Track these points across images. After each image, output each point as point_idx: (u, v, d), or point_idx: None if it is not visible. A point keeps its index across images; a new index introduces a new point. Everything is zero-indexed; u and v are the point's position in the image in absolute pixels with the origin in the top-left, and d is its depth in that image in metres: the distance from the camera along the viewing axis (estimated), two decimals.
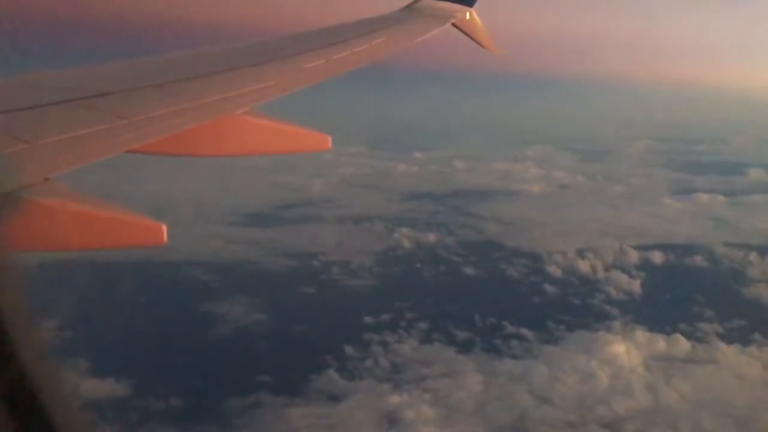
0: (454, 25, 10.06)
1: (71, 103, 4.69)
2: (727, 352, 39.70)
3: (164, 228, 3.74)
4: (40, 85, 5.08)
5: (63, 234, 3.66)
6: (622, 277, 51.47)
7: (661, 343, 40.17)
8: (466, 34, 10.23)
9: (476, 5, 10.48)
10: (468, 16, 10.34)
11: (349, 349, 37.94)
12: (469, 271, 52.71)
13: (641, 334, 40.94)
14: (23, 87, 4.99)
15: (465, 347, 39.41)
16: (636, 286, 50.24)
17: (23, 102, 4.50)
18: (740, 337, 41.57)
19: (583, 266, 53.40)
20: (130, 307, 41.63)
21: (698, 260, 56.94)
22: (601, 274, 52.10)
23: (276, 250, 54.12)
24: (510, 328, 41.54)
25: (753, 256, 56.80)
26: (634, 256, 56.14)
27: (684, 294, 48.75)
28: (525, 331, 41.23)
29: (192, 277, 47.42)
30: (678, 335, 41.09)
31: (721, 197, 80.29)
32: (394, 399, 33.46)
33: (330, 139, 5.60)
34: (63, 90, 4.88)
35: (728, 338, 41.50)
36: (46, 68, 5.67)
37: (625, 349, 38.83)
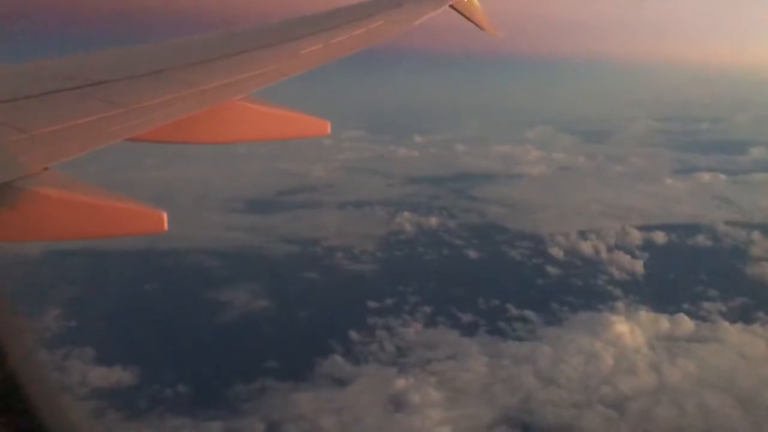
0: (452, 7, 9.99)
1: (69, 92, 4.67)
2: (731, 330, 39.75)
3: (165, 216, 3.73)
4: (37, 74, 5.06)
5: (63, 224, 3.65)
6: (625, 258, 51.49)
7: (664, 322, 40.24)
8: (464, 15, 10.16)
9: None
10: None
11: (353, 334, 38.05)
12: (471, 254, 52.76)
13: (645, 314, 41.01)
14: (20, 76, 4.98)
15: (469, 330, 39.51)
16: (639, 266, 50.26)
17: (20, 91, 4.49)
18: (743, 316, 41.62)
19: (586, 247, 53.42)
20: (134, 295, 41.81)
21: (701, 240, 56.92)
22: (603, 255, 52.12)
23: (278, 236, 54.21)
24: (514, 311, 41.63)
25: (755, 234, 56.76)
26: (636, 237, 56.14)
27: (687, 273, 48.79)
28: (529, 313, 41.32)
29: (195, 264, 47.53)
30: (681, 315, 41.14)
31: (722, 176, 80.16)
32: (400, 382, 33.59)
33: (329, 124, 5.58)
34: (60, 79, 4.87)
35: (731, 317, 41.55)
36: (42, 57, 5.65)
37: (629, 330, 38.91)
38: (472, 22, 10.24)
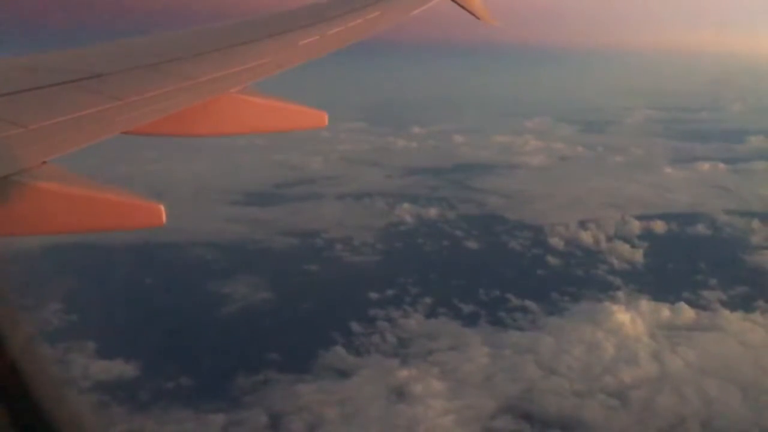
0: None
1: (66, 86, 4.67)
2: (731, 319, 39.82)
3: (162, 209, 3.74)
4: (34, 68, 5.05)
5: (62, 217, 3.66)
6: (625, 248, 51.51)
7: (665, 311, 40.29)
8: (461, 5, 10.13)
9: None
10: None
11: (355, 325, 38.09)
12: (471, 244, 52.78)
13: (645, 304, 41.04)
14: (16, 70, 4.96)
15: (470, 320, 39.56)
16: (639, 255, 50.29)
17: (17, 85, 4.48)
18: (744, 304, 41.66)
19: (586, 237, 53.43)
20: (134, 288, 41.81)
21: (700, 228, 56.95)
22: (603, 245, 52.14)
23: (278, 229, 54.18)
24: (514, 301, 41.67)
25: (755, 223, 56.81)
26: (636, 226, 56.15)
27: (687, 262, 48.82)
28: (529, 303, 41.36)
29: (195, 257, 47.53)
30: (682, 303, 41.19)
31: (722, 165, 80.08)
32: (402, 373, 33.65)
33: (326, 116, 5.58)
34: (57, 72, 4.86)
35: (732, 305, 41.60)
36: (38, 50, 5.63)
37: (630, 319, 38.96)
38: (469, 11, 10.21)
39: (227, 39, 6.49)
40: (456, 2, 10.02)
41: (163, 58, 5.59)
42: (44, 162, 3.66)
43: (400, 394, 32.24)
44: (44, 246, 37.66)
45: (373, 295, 41.73)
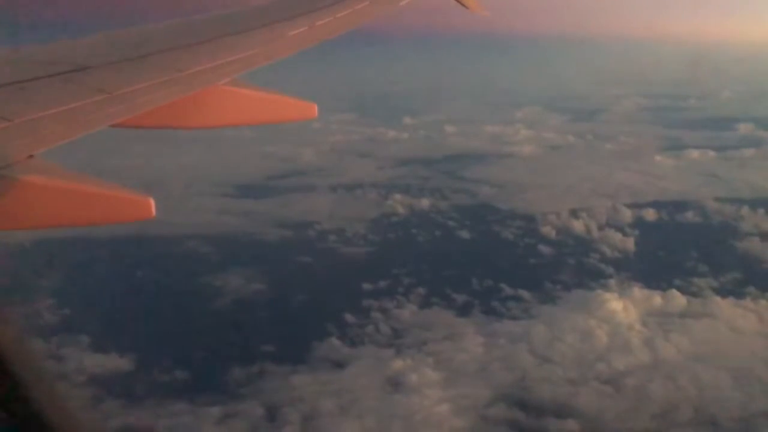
0: None
1: (52, 78, 4.63)
2: (723, 305, 40.03)
3: (152, 201, 3.72)
4: (19, 60, 5.01)
5: (51, 211, 3.63)
6: (616, 236, 51.71)
7: (657, 299, 40.46)
8: None
9: None
10: None
11: (349, 316, 38.13)
12: (464, 234, 52.84)
13: (637, 291, 41.23)
14: (1, 63, 4.92)
15: (464, 310, 39.64)
16: (630, 243, 50.50)
17: (2, 78, 4.44)
18: (735, 290, 41.90)
19: (577, 226, 53.59)
20: (127, 282, 41.72)
21: (691, 216, 57.19)
22: (595, 233, 52.31)
23: (270, 221, 54.11)
24: (507, 290, 41.77)
25: (745, 210, 57.09)
26: (627, 215, 56.37)
27: (678, 250, 49.04)
28: (523, 292, 41.47)
29: (188, 250, 47.40)
30: (673, 291, 41.37)
31: (711, 153, 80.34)
32: (397, 363, 33.71)
33: (316, 107, 5.57)
34: (43, 65, 4.82)
35: (723, 292, 41.83)
36: (24, 43, 5.59)
37: (622, 307, 39.12)
38: (458, 1, 10.18)
39: (216, 30, 6.46)
40: None
41: (151, 50, 5.55)
42: (31, 156, 3.63)
43: (395, 384, 32.31)
44: (33, 241, 37.53)
45: (367, 286, 41.77)
